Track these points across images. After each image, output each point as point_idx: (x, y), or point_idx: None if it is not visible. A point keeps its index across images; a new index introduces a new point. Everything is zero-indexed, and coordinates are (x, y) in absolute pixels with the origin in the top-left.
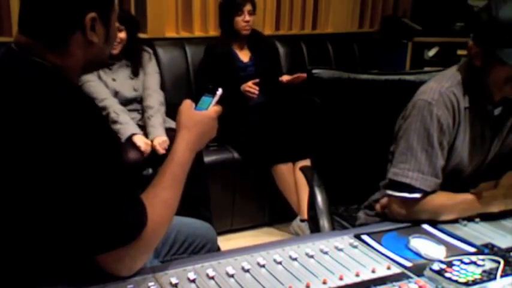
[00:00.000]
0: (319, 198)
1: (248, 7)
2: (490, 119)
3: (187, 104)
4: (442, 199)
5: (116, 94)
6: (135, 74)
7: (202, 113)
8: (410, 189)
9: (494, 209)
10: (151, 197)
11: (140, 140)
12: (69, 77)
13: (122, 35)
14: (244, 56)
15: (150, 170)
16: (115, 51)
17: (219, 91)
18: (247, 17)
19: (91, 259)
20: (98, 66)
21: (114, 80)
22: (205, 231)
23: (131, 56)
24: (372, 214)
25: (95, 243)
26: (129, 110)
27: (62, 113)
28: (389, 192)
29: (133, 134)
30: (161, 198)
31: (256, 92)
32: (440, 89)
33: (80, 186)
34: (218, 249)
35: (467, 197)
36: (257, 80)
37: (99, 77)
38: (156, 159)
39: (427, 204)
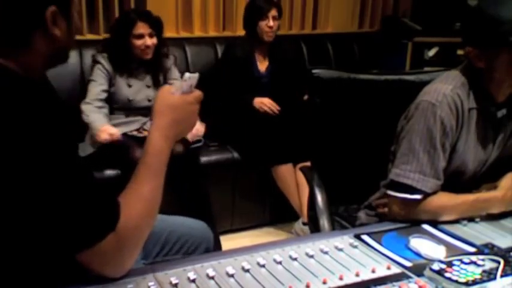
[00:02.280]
0: (319, 198)
1: (273, 12)
2: (493, 121)
3: (164, 90)
4: (442, 200)
5: (129, 101)
6: (155, 83)
7: (178, 97)
8: (411, 190)
9: (495, 210)
10: (128, 193)
11: (108, 129)
12: (31, 75)
13: (154, 40)
14: (262, 64)
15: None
16: (148, 57)
17: (196, 74)
18: (271, 22)
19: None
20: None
21: (130, 86)
22: (200, 231)
23: (155, 63)
24: (372, 214)
25: (63, 244)
26: (135, 114)
27: (17, 116)
28: (390, 192)
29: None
30: (138, 193)
31: (276, 112)
32: (444, 90)
33: (39, 187)
34: (219, 247)
35: (468, 198)
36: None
37: (111, 80)
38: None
39: (428, 205)
